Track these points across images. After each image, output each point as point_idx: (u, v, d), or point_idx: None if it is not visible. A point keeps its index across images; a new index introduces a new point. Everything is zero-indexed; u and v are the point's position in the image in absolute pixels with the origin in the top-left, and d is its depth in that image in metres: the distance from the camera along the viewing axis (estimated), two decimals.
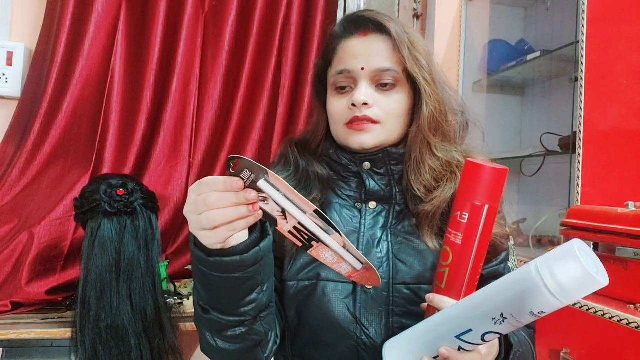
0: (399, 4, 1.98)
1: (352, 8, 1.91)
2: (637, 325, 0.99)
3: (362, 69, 0.76)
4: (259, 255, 0.61)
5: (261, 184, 0.55)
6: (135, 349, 1.15)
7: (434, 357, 0.63)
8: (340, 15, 1.89)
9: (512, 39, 1.96)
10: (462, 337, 0.59)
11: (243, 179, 0.55)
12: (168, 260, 1.61)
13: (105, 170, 1.57)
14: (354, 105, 0.76)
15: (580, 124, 1.34)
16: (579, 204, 1.33)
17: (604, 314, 1.07)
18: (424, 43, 0.80)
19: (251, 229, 0.62)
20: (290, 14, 1.80)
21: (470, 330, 0.58)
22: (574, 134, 1.38)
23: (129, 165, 1.61)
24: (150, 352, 1.17)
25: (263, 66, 1.77)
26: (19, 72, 1.63)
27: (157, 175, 1.66)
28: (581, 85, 1.34)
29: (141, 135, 1.64)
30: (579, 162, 1.34)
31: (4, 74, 1.61)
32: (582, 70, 1.34)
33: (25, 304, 1.34)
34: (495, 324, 0.56)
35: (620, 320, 1.03)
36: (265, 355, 0.72)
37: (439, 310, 0.66)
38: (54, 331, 1.23)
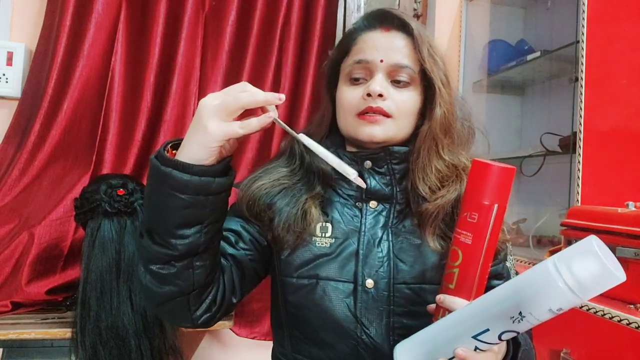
0: (399, 4, 1.98)
1: (352, 8, 1.91)
2: (637, 325, 0.99)
3: (381, 61, 0.77)
4: (208, 187, 0.62)
5: None
6: (135, 349, 1.15)
7: (450, 359, 0.62)
8: (340, 15, 1.89)
9: (512, 39, 1.96)
10: (479, 337, 0.59)
11: None
12: None
13: (105, 170, 1.57)
14: (368, 95, 0.76)
15: (580, 124, 1.34)
16: (579, 204, 1.33)
17: (604, 314, 1.07)
18: (439, 47, 0.81)
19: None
20: (290, 14, 1.79)
21: (488, 330, 0.58)
22: (574, 134, 1.38)
23: (129, 165, 1.61)
24: (151, 352, 1.17)
25: (263, 66, 1.76)
26: (19, 72, 1.63)
27: None
28: (581, 86, 1.34)
29: (141, 135, 1.64)
30: (579, 162, 1.34)
31: (4, 74, 1.61)
32: (582, 70, 1.34)
33: (25, 304, 1.34)
34: (513, 322, 0.56)
35: (621, 320, 1.03)
36: (193, 315, 0.70)
37: (449, 311, 0.65)
38: (54, 331, 1.23)
